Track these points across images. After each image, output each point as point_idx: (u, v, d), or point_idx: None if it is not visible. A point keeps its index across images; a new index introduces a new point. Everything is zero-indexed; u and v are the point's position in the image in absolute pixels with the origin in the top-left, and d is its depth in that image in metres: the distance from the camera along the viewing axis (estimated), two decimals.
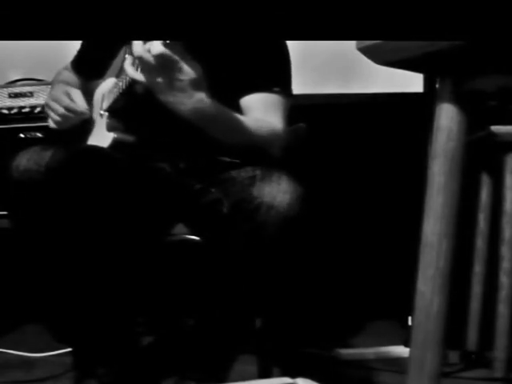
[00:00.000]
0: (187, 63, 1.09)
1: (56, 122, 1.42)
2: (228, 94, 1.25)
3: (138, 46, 1.07)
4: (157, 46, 1.05)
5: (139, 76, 1.12)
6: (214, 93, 1.17)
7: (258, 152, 1.28)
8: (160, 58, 1.05)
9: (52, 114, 1.41)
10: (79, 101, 1.37)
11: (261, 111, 1.31)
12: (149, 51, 1.06)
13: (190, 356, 1.31)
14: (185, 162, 1.33)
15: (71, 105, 1.36)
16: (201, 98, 1.14)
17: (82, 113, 1.37)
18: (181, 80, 1.09)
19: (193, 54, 1.10)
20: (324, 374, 1.56)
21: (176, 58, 1.07)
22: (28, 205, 1.08)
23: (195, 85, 1.11)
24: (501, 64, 0.73)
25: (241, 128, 1.22)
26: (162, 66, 1.07)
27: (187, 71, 1.09)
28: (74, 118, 1.39)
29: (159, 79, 1.09)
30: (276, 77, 1.36)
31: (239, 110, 1.31)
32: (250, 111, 1.31)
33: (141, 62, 1.09)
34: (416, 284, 0.75)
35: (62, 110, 1.38)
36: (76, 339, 1.25)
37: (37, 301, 1.54)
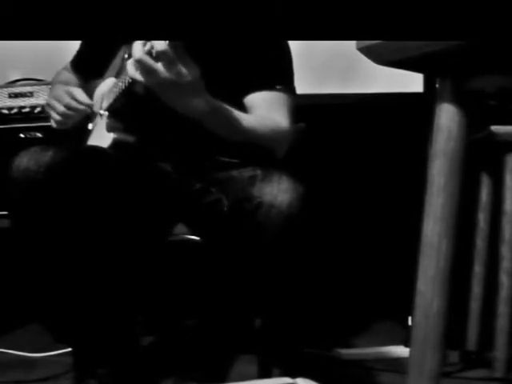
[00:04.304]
0: (188, 63, 1.09)
1: (57, 122, 1.42)
2: (231, 93, 1.25)
3: (137, 48, 1.07)
4: (160, 44, 1.04)
5: (140, 77, 1.12)
6: (216, 92, 1.17)
7: (263, 150, 1.28)
8: (163, 55, 1.05)
9: (53, 114, 1.41)
10: (82, 97, 1.36)
11: (265, 109, 1.31)
12: (149, 53, 1.06)
13: (190, 356, 1.30)
14: (185, 162, 1.33)
15: (72, 103, 1.36)
16: (203, 97, 1.14)
17: (88, 105, 1.36)
18: (183, 79, 1.09)
19: (194, 53, 1.10)
20: (324, 374, 1.56)
21: (177, 57, 1.07)
22: (28, 205, 1.08)
23: (197, 83, 1.11)
24: (501, 64, 0.73)
25: (244, 126, 1.22)
26: (164, 65, 1.07)
27: (189, 70, 1.09)
28: (75, 116, 1.39)
29: (160, 80, 1.09)
30: (278, 74, 1.36)
31: (243, 108, 1.31)
32: (254, 110, 1.31)
33: (140, 64, 1.08)
34: (416, 284, 0.75)
35: (62, 109, 1.38)
36: (76, 339, 1.25)
37: (37, 301, 1.54)
